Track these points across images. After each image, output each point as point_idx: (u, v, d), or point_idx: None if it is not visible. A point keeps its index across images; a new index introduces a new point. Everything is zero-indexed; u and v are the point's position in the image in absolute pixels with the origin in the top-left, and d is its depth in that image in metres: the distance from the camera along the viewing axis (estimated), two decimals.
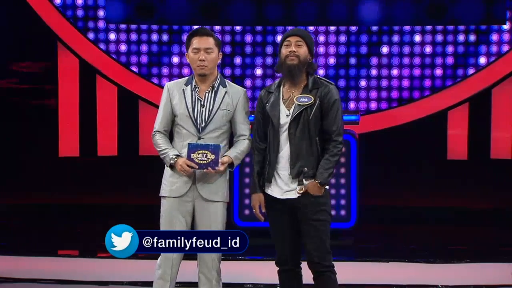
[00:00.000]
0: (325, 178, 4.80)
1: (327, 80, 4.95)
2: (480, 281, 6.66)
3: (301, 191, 4.81)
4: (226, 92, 5.00)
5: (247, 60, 9.36)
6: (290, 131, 4.84)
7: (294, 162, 4.83)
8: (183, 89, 5.00)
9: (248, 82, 9.34)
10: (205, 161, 4.83)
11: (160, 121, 5.02)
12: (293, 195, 4.85)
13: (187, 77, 5.08)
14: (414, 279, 6.71)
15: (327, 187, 4.87)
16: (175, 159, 4.90)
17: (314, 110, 4.83)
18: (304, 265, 4.97)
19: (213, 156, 4.83)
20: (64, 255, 7.26)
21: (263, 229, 7.63)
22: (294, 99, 4.86)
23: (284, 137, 4.86)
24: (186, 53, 5.04)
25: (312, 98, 4.84)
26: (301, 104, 4.83)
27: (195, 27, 9.10)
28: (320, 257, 4.83)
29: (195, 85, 4.99)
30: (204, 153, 4.82)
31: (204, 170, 4.85)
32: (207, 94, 4.98)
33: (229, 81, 5.09)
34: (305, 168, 4.81)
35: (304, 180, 4.82)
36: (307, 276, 4.95)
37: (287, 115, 4.86)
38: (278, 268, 5.00)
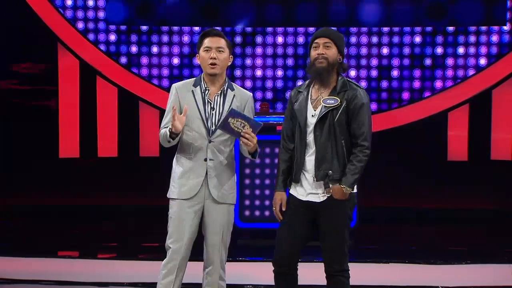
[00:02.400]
0: (350, 183, 4.75)
1: (356, 83, 4.89)
2: (480, 282, 6.66)
3: (328, 194, 4.80)
4: (234, 95, 4.98)
5: (247, 61, 9.37)
6: (316, 133, 4.80)
7: (319, 164, 4.80)
8: (192, 90, 4.95)
9: (248, 83, 9.34)
10: (240, 130, 4.76)
11: (167, 121, 4.96)
12: (317, 198, 4.83)
13: (195, 78, 5.04)
14: (415, 280, 6.71)
15: (354, 191, 4.82)
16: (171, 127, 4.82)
17: (340, 113, 4.78)
18: (301, 266, 4.97)
19: (250, 130, 4.76)
20: (64, 256, 7.27)
21: (263, 230, 7.68)
22: (321, 101, 4.84)
23: (310, 138, 4.83)
24: (197, 54, 5.00)
25: (339, 100, 4.79)
26: (327, 105, 4.79)
27: (196, 28, 9.23)
28: (335, 261, 4.84)
29: (205, 87, 4.97)
30: (243, 123, 4.75)
31: (238, 136, 4.78)
32: (216, 97, 4.95)
33: (236, 85, 5.07)
34: (330, 171, 4.78)
35: (329, 183, 4.79)
36: (309, 277, 4.96)
37: (312, 116, 4.83)
38: (273, 269, 4.99)
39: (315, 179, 4.81)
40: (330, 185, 4.77)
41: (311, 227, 4.89)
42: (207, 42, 4.93)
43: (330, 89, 4.86)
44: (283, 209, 4.91)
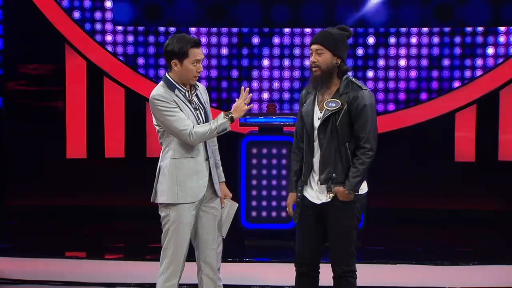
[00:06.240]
0: (353, 186, 4.79)
1: (360, 84, 4.90)
2: (487, 283, 6.66)
3: (330, 197, 4.82)
4: (199, 90, 5.09)
5: (254, 62, 9.36)
6: (320, 136, 4.84)
7: (323, 167, 4.83)
8: (177, 95, 4.94)
9: (255, 84, 9.34)
10: None
11: (187, 119, 4.88)
12: (324, 199, 4.86)
13: (164, 85, 4.97)
14: (422, 281, 6.71)
15: (362, 192, 4.87)
16: (230, 113, 4.89)
17: (341, 116, 4.80)
18: (323, 267, 4.98)
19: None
20: (71, 257, 7.28)
21: (270, 231, 7.68)
22: (324, 104, 4.85)
23: (316, 141, 4.87)
24: (174, 60, 4.91)
25: (340, 103, 4.81)
26: (329, 109, 4.82)
27: (202, 29, 9.23)
28: (343, 261, 4.86)
29: (185, 90, 4.97)
30: None
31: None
32: (194, 97, 5.02)
33: None
34: (334, 174, 4.81)
35: (332, 186, 4.81)
36: (326, 277, 4.97)
37: (318, 118, 4.86)
38: (295, 268, 5.02)
39: (319, 182, 4.83)
40: (332, 188, 4.79)
41: (321, 228, 4.91)
42: (197, 55, 4.90)
43: (333, 92, 4.87)
44: (294, 210, 4.98)
